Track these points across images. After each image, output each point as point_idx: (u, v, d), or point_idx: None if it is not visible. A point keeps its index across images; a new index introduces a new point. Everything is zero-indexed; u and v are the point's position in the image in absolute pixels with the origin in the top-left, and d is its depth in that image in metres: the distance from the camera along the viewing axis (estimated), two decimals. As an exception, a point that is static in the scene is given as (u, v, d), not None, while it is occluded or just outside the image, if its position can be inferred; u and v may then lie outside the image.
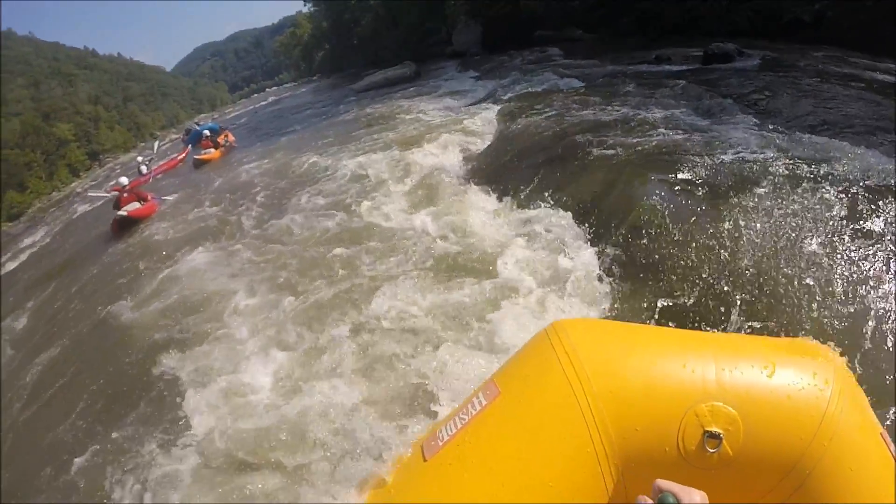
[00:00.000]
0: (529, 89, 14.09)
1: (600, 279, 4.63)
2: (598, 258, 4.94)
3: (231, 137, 23.38)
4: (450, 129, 11.73)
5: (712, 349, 1.75)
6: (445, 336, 4.32)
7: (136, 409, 5.18)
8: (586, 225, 5.54)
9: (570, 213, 5.89)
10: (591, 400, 1.66)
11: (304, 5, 64.80)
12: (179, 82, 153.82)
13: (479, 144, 10.28)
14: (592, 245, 5.19)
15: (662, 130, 7.57)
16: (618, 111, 9.18)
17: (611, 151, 6.95)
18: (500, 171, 8.15)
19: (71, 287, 10.69)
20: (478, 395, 1.92)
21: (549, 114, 10.01)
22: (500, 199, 7.22)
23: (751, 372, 1.65)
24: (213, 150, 21.63)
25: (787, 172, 5.07)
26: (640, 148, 6.85)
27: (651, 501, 1.13)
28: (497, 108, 12.60)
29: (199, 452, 4.00)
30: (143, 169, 21.24)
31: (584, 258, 4.98)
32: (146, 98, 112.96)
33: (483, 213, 6.94)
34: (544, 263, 5.11)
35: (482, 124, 11.48)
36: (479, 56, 28.82)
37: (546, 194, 6.52)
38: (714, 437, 1.56)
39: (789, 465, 1.54)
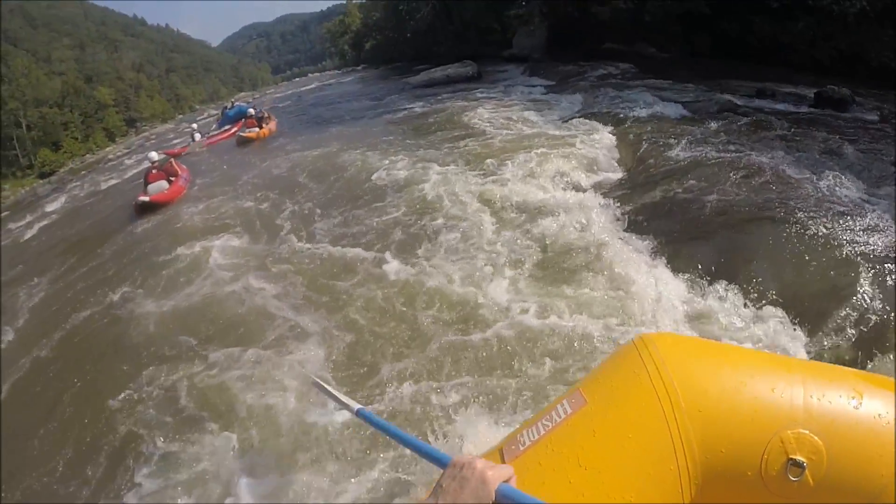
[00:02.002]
0: (634, 112, 11.74)
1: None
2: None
3: (273, 125, 22.35)
4: (552, 150, 9.52)
5: (801, 374, 1.66)
6: None
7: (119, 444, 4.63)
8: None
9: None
10: (678, 416, 1.60)
11: (359, -6, 63.54)
12: (223, 59, 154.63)
13: (600, 179, 8.29)
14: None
15: (820, 192, 6.05)
16: (763, 161, 7.21)
17: (792, 219, 5.28)
18: (659, 231, 5.96)
19: (83, 267, 10.22)
20: (562, 403, 1.83)
21: (684, 152, 8.12)
22: (686, 286, 4.91)
23: (838, 401, 1.57)
24: (257, 129, 21.10)
25: None
26: (813, 221, 5.14)
27: None
28: (606, 130, 10.57)
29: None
30: (197, 136, 22.89)
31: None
32: (189, 71, 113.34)
33: (671, 312, 4.59)
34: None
35: (597, 152, 9.29)
36: (543, 63, 26.75)
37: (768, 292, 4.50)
38: (797, 465, 1.50)
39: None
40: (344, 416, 4.00)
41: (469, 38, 40.50)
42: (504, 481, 1.19)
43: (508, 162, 9.22)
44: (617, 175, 8.32)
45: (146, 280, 8.11)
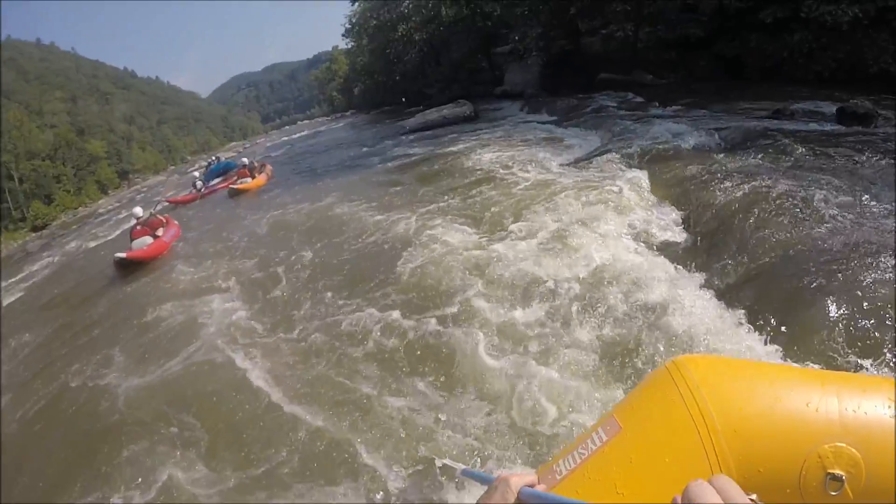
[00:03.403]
0: (659, 146, 10.34)
1: None
2: None
3: (263, 177, 21.38)
4: (582, 197, 8.12)
5: (835, 386, 1.64)
6: None
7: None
8: None
9: None
10: (714, 438, 1.59)
11: (343, 41, 62.99)
12: (213, 109, 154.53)
13: (647, 230, 6.79)
14: None
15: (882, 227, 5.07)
16: (813, 194, 6.05)
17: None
18: (739, 294, 4.77)
19: (65, 332, 9.33)
20: (597, 431, 1.81)
21: (729, 190, 6.79)
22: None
23: (874, 411, 1.54)
24: (249, 179, 20.41)
25: None
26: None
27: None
28: (636, 169, 9.23)
29: None
30: (199, 184, 22.88)
31: None
32: (180, 122, 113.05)
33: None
34: None
35: (634, 196, 7.91)
36: (539, 97, 25.83)
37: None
38: (836, 479, 1.48)
39: None
40: None
41: (459, 78, 40.15)
42: (528, 485, 1.31)
43: (532, 215, 7.94)
44: (665, 223, 6.97)
45: (127, 349, 7.37)
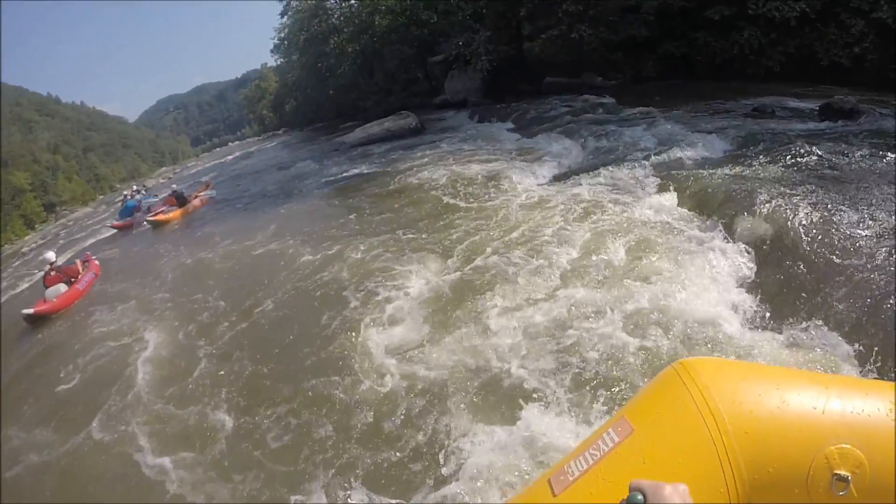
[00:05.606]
0: (657, 157, 9.02)
1: None
2: None
3: (197, 203, 19.99)
4: (604, 221, 6.69)
5: (838, 389, 1.64)
6: None
7: None
8: None
9: None
10: (725, 439, 1.58)
11: (273, 57, 60.60)
12: (142, 134, 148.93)
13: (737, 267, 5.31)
14: None
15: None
16: (833, 205, 5.39)
17: None
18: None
19: None
20: (608, 431, 1.76)
21: (771, 204, 5.64)
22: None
23: (877, 414, 1.54)
24: (176, 208, 18.87)
25: None
26: None
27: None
28: (648, 183, 7.90)
29: None
30: (143, 204, 22.28)
31: None
32: (107, 149, 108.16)
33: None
34: None
35: (667, 214, 6.58)
36: (485, 105, 24.69)
37: None
38: (842, 479, 1.49)
39: None
40: None
41: (394, 89, 39.55)
42: None
43: (532, 255, 6.35)
44: (705, 239, 5.73)
45: (29, 418, 6.67)
